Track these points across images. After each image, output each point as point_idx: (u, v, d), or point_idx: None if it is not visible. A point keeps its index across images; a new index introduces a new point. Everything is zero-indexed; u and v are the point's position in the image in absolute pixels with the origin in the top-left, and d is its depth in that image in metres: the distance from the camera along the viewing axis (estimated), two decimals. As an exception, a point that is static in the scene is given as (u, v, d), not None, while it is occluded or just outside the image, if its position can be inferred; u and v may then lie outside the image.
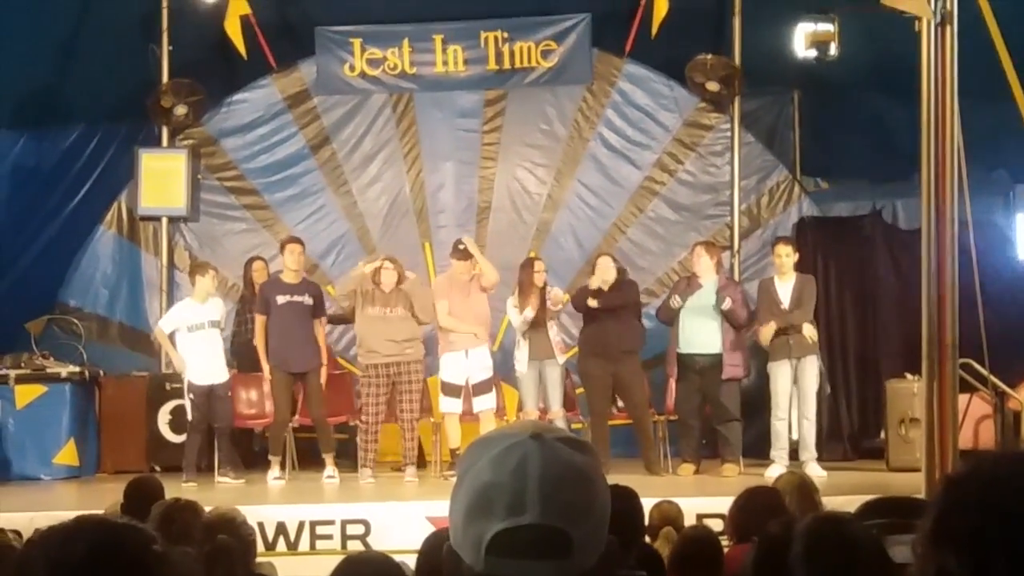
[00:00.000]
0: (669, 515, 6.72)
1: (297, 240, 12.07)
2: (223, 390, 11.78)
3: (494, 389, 11.73)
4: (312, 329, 11.79)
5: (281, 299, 11.56)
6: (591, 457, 1.64)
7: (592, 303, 11.48)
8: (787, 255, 11.33)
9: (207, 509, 5.65)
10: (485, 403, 11.54)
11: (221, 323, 11.88)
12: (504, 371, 12.34)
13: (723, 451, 11.61)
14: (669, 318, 11.63)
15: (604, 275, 11.61)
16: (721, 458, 11.57)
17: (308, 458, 12.23)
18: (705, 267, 11.61)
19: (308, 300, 11.70)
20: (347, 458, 12.00)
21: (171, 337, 11.85)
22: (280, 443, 11.64)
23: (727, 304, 11.35)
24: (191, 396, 11.63)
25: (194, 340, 11.68)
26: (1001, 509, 1.58)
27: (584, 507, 1.59)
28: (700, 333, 11.41)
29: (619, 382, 11.60)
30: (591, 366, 11.62)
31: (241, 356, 12.83)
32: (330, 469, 11.50)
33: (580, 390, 12.09)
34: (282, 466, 11.62)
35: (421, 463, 11.86)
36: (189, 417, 11.70)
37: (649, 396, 12.24)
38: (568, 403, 11.90)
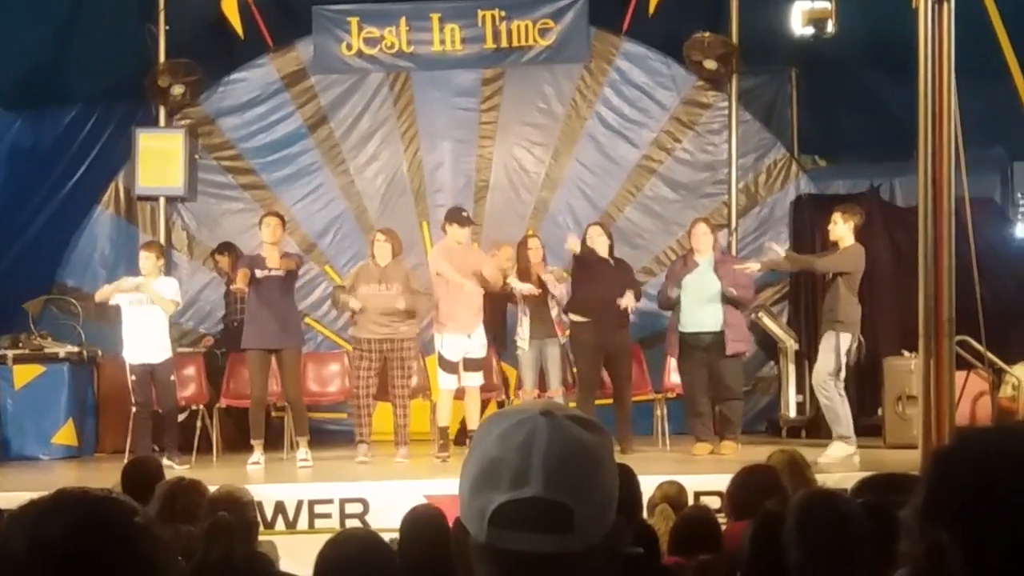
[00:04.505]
0: (669, 495, 6.76)
1: (272, 213, 11.92)
2: (164, 373, 11.57)
3: (483, 369, 11.67)
4: (292, 304, 11.58)
5: (260, 273, 11.24)
6: (601, 437, 1.65)
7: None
8: (831, 223, 10.90)
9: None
10: (474, 380, 11.48)
11: (173, 302, 11.62)
12: (506, 351, 12.35)
13: (723, 429, 11.56)
14: (669, 306, 11.58)
15: (597, 246, 11.59)
16: (720, 435, 11.53)
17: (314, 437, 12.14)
18: (705, 244, 11.51)
19: (282, 270, 11.29)
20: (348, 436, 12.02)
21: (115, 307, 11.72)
22: (260, 425, 11.42)
23: (732, 293, 11.25)
24: (132, 377, 11.46)
25: (133, 315, 11.49)
26: (992, 484, 1.58)
27: (589, 484, 1.59)
28: (701, 312, 11.28)
29: (609, 355, 11.57)
30: (583, 333, 11.53)
31: (229, 337, 12.88)
32: (303, 452, 11.31)
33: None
34: (281, 446, 11.52)
35: (420, 442, 11.85)
36: (132, 400, 11.51)
37: (646, 374, 12.30)
38: (566, 382, 11.87)
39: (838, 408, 10.69)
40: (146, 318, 11.49)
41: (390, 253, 11.41)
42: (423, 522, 4.71)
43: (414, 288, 11.45)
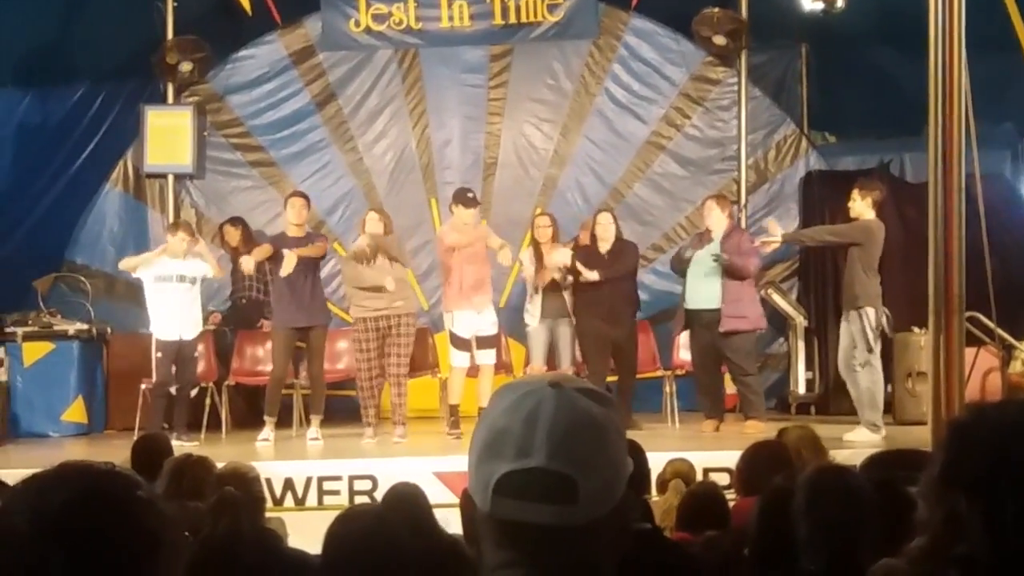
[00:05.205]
0: (681, 471, 6.80)
1: (299, 194, 11.93)
2: (191, 349, 11.65)
3: (496, 346, 11.65)
4: (318, 283, 11.64)
5: (287, 253, 11.31)
6: (610, 410, 1.64)
7: (593, 276, 11.35)
8: (850, 200, 10.83)
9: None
10: (488, 357, 11.44)
11: (197, 281, 11.67)
12: (511, 327, 12.32)
13: (744, 407, 11.44)
14: (681, 268, 11.42)
15: (604, 234, 11.54)
16: (744, 414, 11.42)
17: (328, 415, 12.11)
18: (716, 220, 11.37)
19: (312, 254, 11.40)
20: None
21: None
22: (276, 403, 11.45)
23: (723, 259, 11.08)
24: (159, 354, 11.44)
25: (160, 291, 11.53)
26: (1011, 454, 1.59)
27: (594, 456, 1.59)
28: (702, 289, 11.18)
29: (616, 344, 11.52)
30: (591, 326, 11.47)
31: (238, 316, 12.89)
32: (314, 431, 11.36)
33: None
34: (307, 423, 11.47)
35: (429, 419, 11.84)
36: (154, 377, 11.49)
37: (655, 351, 12.29)
38: (577, 362, 11.82)
39: (877, 393, 10.55)
40: (179, 294, 11.55)
41: (380, 231, 11.32)
42: (400, 498, 4.71)
43: (398, 247, 11.42)
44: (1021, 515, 1.56)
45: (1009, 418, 1.65)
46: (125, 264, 11.88)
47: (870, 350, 10.49)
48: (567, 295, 11.67)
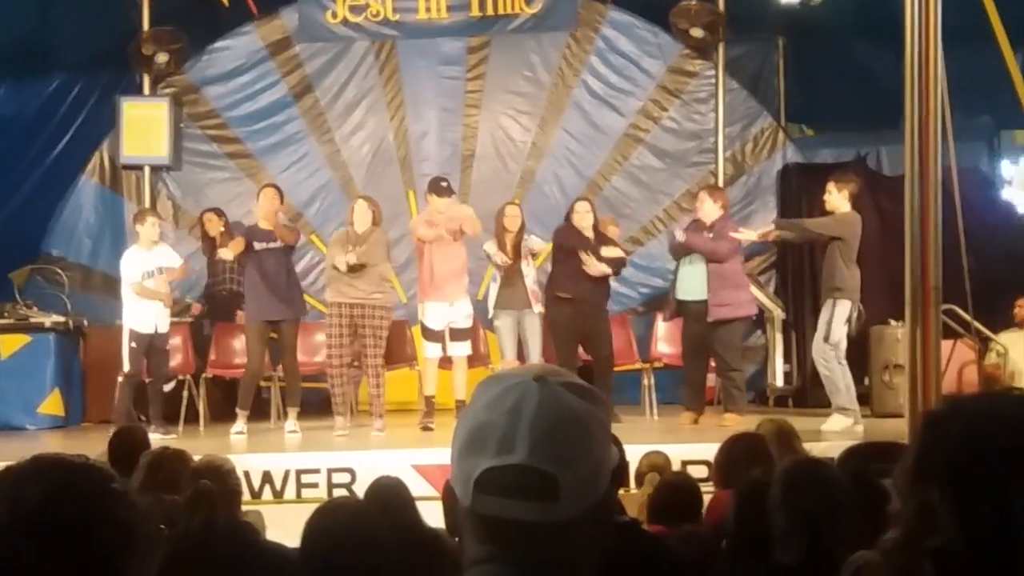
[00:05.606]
0: (656, 464, 6.81)
1: (270, 185, 11.89)
2: (163, 342, 11.56)
3: (470, 338, 11.60)
4: (292, 275, 11.58)
5: (258, 246, 11.27)
6: (595, 405, 1.63)
7: (605, 270, 11.29)
8: (826, 193, 10.78)
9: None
10: (460, 349, 11.42)
11: (173, 268, 11.64)
12: (489, 320, 12.32)
13: (725, 400, 11.40)
14: (676, 253, 11.39)
15: (581, 222, 11.45)
16: (724, 407, 11.39)
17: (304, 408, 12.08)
18: (708, 211, 11.30)
19: (280, 242, 11.34)
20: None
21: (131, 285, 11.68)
22: (249, 397, 11.41)
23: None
24: (132, 344, 11.34)
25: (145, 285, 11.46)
26: (983, 445, 1.60)
27: (576, 452, 1.57)
28: (688, 280, 11.18)
29: (587, 334, 11.44)
30: (560, 313, 11.38)
31: (216, 307, 12.84)
32: (291, 423, 11.31)
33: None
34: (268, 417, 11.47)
35: (408, 412, 11.81)
36: (125, 367, 11.37)
37: (633, 344, 12.27)
38: (547, 353, 11.78)
39: (837, 379, 10.50)
40: (159, 286, 11.47)
41: (369, 220, 11.28)
42: (383, 491, 4.71)
43: (384, 247, 11.34)
44: (994, 507, 1.57)
45: (984, 410, 1.66)
46: (139, 291, 11.66)
47: (826, 339, 10.49)
48: (529, 284, 11.55)
